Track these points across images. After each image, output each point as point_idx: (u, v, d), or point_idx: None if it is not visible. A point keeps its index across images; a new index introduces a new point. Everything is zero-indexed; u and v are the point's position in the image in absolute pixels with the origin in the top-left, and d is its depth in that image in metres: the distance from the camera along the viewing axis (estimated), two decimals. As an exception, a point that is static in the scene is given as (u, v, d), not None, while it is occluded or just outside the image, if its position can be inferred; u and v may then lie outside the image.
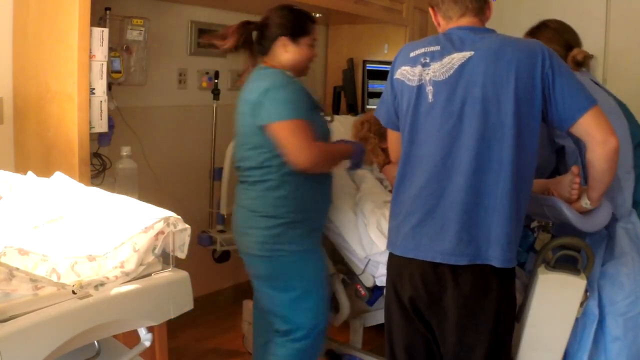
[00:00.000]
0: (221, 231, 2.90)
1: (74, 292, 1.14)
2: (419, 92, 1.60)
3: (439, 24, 1.70)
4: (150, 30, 2.53)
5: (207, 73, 3.09)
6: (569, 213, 1.66)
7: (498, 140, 1.51)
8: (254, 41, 2.03)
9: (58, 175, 1.57)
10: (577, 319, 1.71)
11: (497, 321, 1.55)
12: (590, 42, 3.25)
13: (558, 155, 1.87)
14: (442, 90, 1.56)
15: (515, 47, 1.53)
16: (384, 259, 2.05)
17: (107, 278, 1.21)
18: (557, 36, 1.96)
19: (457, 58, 1.55)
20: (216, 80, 3.06)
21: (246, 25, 2.00)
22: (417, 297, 1.60)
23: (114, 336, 1.34)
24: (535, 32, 2.00)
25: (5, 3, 2.20)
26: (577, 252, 1.72)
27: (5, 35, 2.21)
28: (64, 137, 2.05)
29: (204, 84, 3.09)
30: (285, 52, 1.97)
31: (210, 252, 3.03)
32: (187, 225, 1.35)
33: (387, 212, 1.99)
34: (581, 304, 1.68)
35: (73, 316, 1.12)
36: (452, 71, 1.55)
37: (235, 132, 2.04)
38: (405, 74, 1.65)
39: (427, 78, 1.58)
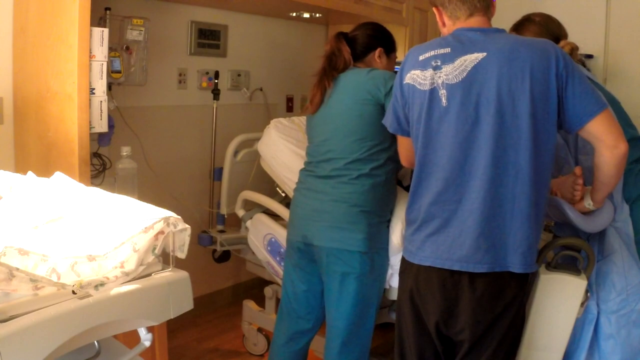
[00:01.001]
0: (221, 231, 2.90)
1: (74, 292, 1.14)
2: (432, 96, 1.56)
3: (444, 24, 1.66)
4: (150, 30, 2.53)
5: (207, 73, 3.09)
6: (571, 213, 1.66)
7: (514, 143, 1.49)
8: (345, 50, 2.09)
9: (58, 175, 1.57)
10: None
11: (510, 322, 1.56)
12: (590, 42, 3.27)
13: None
14: (456, 93, 1.53)
15: (529, 47, 1.51)
16: (393, 260, 2.07)
17: (107, 278, 1.21)
18: (543, 30, 1.95)
19: (470, 60, 1.52)
20: (216, 80, 3.06)
21: (340, 35, 2.13)
22: (439, 315, 1.59)
23: (114, 336, 1.34)
24: (520, 27, 1.99)
25: (5, 3, 2.19)
26: (578, 252, 1.72)
27: (5, 35, 2.21)
28: (64, 137, 2.05)
29: (204, 84, 3.09)
30: (380, 61, 2.13)
31: (210, 252, 3.03)
32: (187, 225, 1.35)
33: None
34: (582, 304, 1.68)
35: (73, 316, 1.12)
36: (465, 73, 1.52)
37: (315, 124, 2.08)
38: (416, 78, 1.61)
39: (440, 81, 1.55)
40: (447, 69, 1.54)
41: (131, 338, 1.37)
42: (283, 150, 2.39)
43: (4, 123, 2.24)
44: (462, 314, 1.56)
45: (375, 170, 1.97)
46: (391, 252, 2.05)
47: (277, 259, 2.43)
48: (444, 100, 1.54)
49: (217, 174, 2.93)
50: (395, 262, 2.06)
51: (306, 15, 3.29)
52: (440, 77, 1.55)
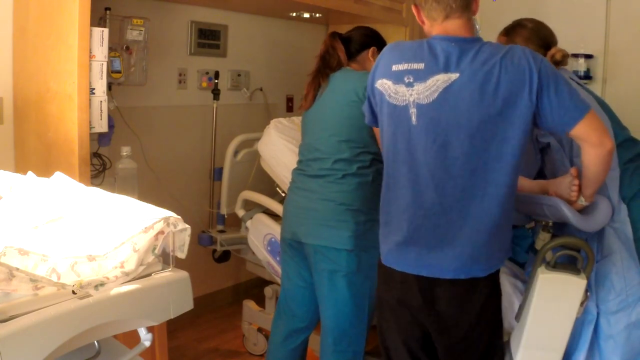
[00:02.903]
0: (221, 231, 2.90)
1: (74, 292, 1.14)
2: (402, 112, 1.56)
3: (423, 23, 1.63)
4: (150, 30, 2.53)
5: (207, 73, 3.09)
6: (569, 213, 1.67)
7: (484, 167, 1.50)
8: (339, 49, 2.10)
9: (58, 175, 1.57)
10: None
11: (485, 307, 1.59)
12: (590, 42, 3.28)
13: (542, 152, 1.88)
14: (426, 114, 1.52)
15: (503, 68, 1.48)
16: None
17: (107, 278, 1.21)
18: (534, 36, 1.95)
19: (442, 80, 1.50)
20: (216, 80, 3.06)
21: (335, 34, 2.14)
22: (407, 299, 1.62)
23: (114, 336, 1.34)
24: (511, 31, 1.99)
25: (5, 3, 2.19)
26: (577, 252, 1.72)
27: (5, 35, 2.21)
28: (63, 137, 2.05)
29: (204, 84, 3.09)
30: (373, 60, 2.11)
31: (210, 252, 3.03)
32: (187, 225, 1.35)
33: None
34: (581, 304, 1.68)
35: (73, 316, 1.12)
36: (436, 95, 1.50)
37: (310, 123, 2.09)
38: (387, 89, 1.60)
39: (411, 100, 1.54)
40: (419, 87, 1.52)
41: (131, 338, 1.37)
42: (283, 150, 2.39)
43: (4, 123, 2.24)
44: (439, 311, 1.59)
45: (361, 169, 1.99)
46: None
47: (277, 259, 2.43)
48: (413, 119, 1.54)
49: (217, 174, 2.93)
50: None
51: (306, 15, 3.29)
52: (412, 95, 1.54)
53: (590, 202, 1.71)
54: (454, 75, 1.49)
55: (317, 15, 3.30)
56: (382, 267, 1.67)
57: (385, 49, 1.69)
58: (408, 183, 1.57)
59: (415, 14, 1.64)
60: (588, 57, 3.27)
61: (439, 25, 1.57)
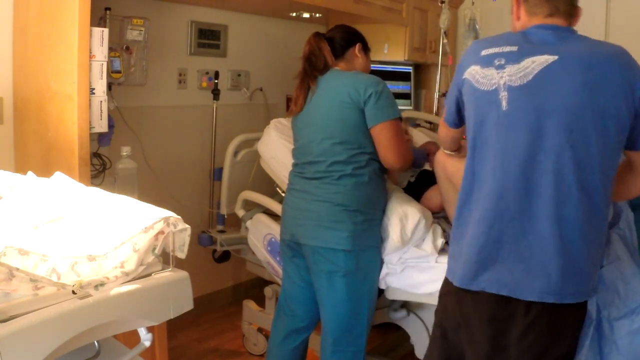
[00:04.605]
0: (221, 231, 2.90)
1: (74, 292, 1.14)
2: (491, 97, 1.41)
3: (518, 18, 1.52)
4: (150, 30, 2.53)
5: (207, 73, 3.09)
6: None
7: (582, 162, 1.35)
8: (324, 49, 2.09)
9: (58, 175, 1.57)
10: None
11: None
12: (590, 42, 3.27)
13: None
14: (519, 97, 1.38)
15: (610, 58, 1.37)
16: (389, 259, 2.07)
17: (107, 278, 1.21)
18: None
19: (538, 62, 1.37)
20: (216, 80, 3.06)
21: (319, 34, 2.14)
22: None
23: (114, 336, 1.34)
24: None
25: (5, 3, 2.19)
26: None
27: (5, 35, 2.21)
28: (63, 137, 2.05)
29: (204, 84, 3.09)
30: (360, 56, 2.14)
31: (210, 252, 3.03)
32: (187, 225, 1.35)
33: (409, 209, 2.01)
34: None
35: (73, 316, 1.12)
36: (531, 76, 1.37)
37: (303, 126, 2.08)
38: (475, 74, 1.46)
39: (502, 82, 1.40)
40: (510, 69, 1.39)
41: (131, 338, 1.37)
42: (283, 150, 2.39)
43: (4, 123, 2.24)
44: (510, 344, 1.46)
45: (357, 170, 1.98)
46: (390, 249, 2.05)
47: (277, 259, 2.43)
48: (504, 104, 1.39)
49: (217, 174, 2.93)
50: (393, 260, 2.07)
51: (306, 15, 3.29)
52: (502, 77, 1.40)
53: None
54: (552, 57, 1.36)
55: (317, 15, 3.30)
56: None
57: (472, 42, 1.58)
58: (491, 183, 1.43)
59: (515, 7, 1.54)
60: (588, 57, 3.26)
61: (538, 21, 1.48)
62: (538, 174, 1.37)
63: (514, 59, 1.40)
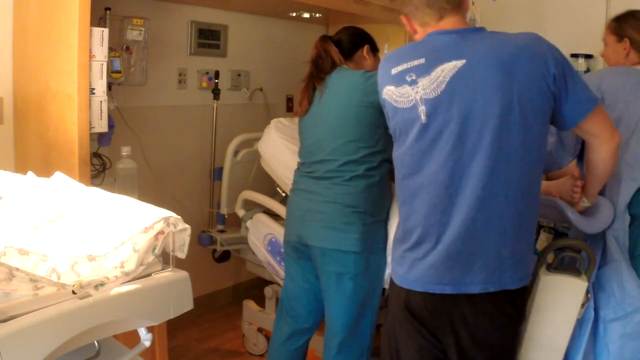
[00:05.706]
0: (221, 231, 2.90)
1: (74, 292, 1.14)
2: (410, 113, 1.45)
3: (415, 32, 1.55)
4: (150, 30, 2.53)
5: (207, 73, 3.09)
6: (571, 215, 1.67)
7: (505, 158, 1.38)
8: (332, 50, 2.08)
9: (58, 175, 1.57)
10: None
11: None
12: (590, 42, 3.27)
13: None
14: (436, 108, 1.41)
15: (515, 51, 1.38)
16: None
17: (107, 278, 1.21)
18: None
19: (448, 69, 1.39)
20: (216, 80, 3.06)
21: (326, 37, 2.13)
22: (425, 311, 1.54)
23: (114, 336, 1.34)
24: (622, 19, 1.93)
25: (5, 3, 2.19)
26: (578, 253, 1.72)
27: (5, 35, 2.21)
28: (63, 137, 2.05)
29: (204, 84, 3.09)
30: (368, 58, 2.15)
31: (210, 252, 3.03)
32: (187, 225, 1.35)
33: None
34: (582, 305, 1.68)
35: (73, 316, 1.12)
36: (444, 85, 1.39)
37: (305, 127, 2.08)
38: (392, 94, 1.50)
39: (418, 97, 1.43)
40: (423, 82, 1.42)
41: (131, 338, 1.37)
42: (283, 150, 2.39)
43: (4, 123, 2.24)
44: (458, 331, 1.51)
45: (369, 171, 1.96)
46: (391, 249, 2.05)
47: (277, 259, 2.43)
48: (423, 117, 1.43)
49: (217, 174, 2.93)
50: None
51: (306, 15, 3.29)
52: (417, 92, 1.43)
53: (592, 203, 1.70)
54: (460, 62, 1.39)
55: (317, 15, 3.30)
56: None
57: (382, 60, 1.62)
58: (424, 193, 1.47)
59: (406, 24, 1.57)
60: (588, 57, 3.26)
61: (432, 27, 1.50)
62: (464, 178, 1.40)
63: (423, 71, 1.43)
